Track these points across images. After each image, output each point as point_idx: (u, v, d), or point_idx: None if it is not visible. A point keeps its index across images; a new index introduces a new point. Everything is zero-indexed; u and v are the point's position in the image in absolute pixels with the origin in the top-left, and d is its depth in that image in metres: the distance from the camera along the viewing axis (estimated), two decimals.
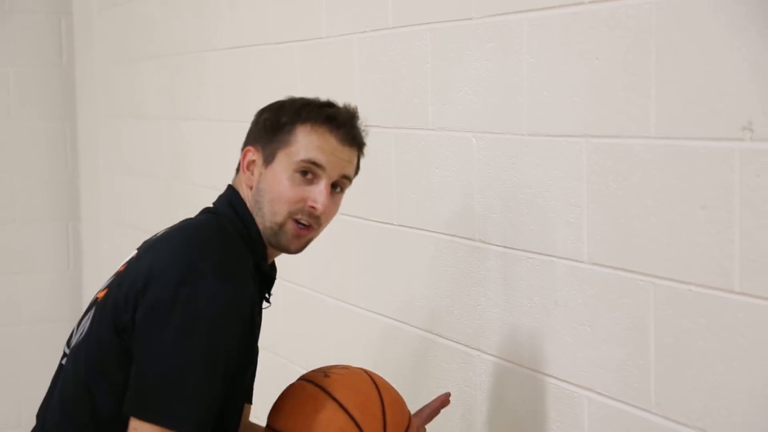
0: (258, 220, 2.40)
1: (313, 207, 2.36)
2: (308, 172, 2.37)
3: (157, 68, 5.32)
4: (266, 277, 2.44)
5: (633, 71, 2.29)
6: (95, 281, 6.10)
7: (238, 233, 2.39)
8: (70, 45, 6.08)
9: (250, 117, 3.45)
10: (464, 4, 2.94)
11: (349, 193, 2.65)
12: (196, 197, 4.60)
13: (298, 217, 2.37)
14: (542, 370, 2.66)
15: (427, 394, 2.99)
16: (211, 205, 2.47)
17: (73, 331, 2.46)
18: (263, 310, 2.43)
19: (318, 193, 2.37)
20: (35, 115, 6.01)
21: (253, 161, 2.40)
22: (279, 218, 2.38)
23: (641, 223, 2.31)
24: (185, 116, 5.03)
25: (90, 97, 5.94)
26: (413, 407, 2.91)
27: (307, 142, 2.38)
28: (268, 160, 2.37)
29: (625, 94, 2.33)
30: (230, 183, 2.48)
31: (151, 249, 2.35)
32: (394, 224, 3.33)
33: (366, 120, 2.57)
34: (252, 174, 2.39)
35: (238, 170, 2.46)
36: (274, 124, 2.39)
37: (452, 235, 2.97)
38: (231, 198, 2.44)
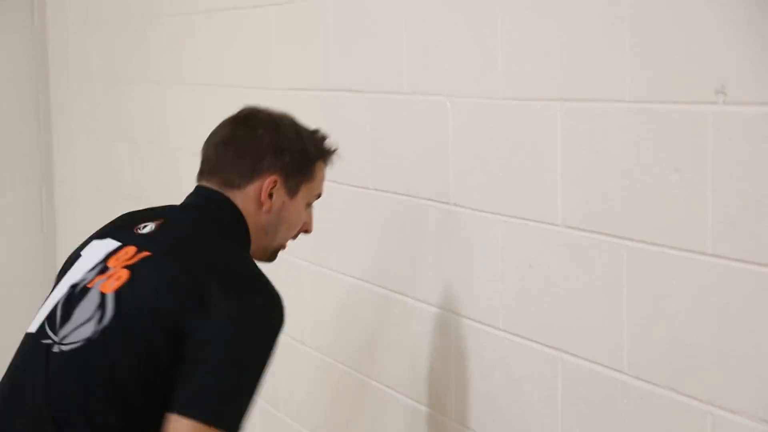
0: (265, 239, 2.60)
1: (307, 231, 2.69)
2: (311, 204, 2.66)
3: (131, 31, 5.29)
4: None
5: (607, 35, 2.29)
6: (69, 245, 6.11)
7: (246, 242, 2.55)
8: (42, 6, 5.96)
9: (225, 80, 3.43)
10: None
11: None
12: (171, 161, 4.57)
13: (296, 236, 2.67)
14: (516, 332, 2.66)
15: (408, 358, 3.22)
16: (216, 200, 2.57)
17: (46, 319, 2.46)
18: None
19: (312, 218, 2.67)
20: (6, 78, 5.93)
21: (273, 191, 2.52)
22: (286, 241, 2.65)
23: (614, 186, 2.30)
24: (159, 79, 5.00)
25: (62, 60, 5.91)
26: (396, 368, 3.27)
27: (320, 178, 2.63)
28: (292, 193, 2.54)
29: (599, 58, 2.33)
30: (223, 191, 2.53)
31: (180, 258, 2.45)
32: (369, 188, 3.34)
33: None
34: (271, 200, 2.50)
35: (233, 183, 2.53)
36: (300, 160, 2.55)
37: (427, 199, 2.97)
38: (236, 216, 2.54)
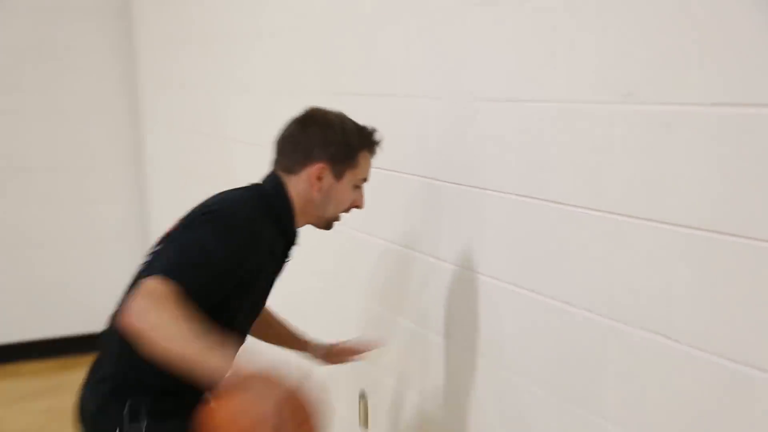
0: (317, 212, 2.57)
1: (359, 206, 2.67)
2: (360, 186, 2.66)
3: (198, 49, 5.28)
4: (290, 241, 2.59)
5: (543, 42, 2.25)
6: (154, 207, 6.17)
7: (279, 213, 2.50)
8: (135, 32, 5.92)
9: (267, 88, 3.36)
10: None
11: None
12: (225, 149, 4.59)
13: (348, 210, 2.67)
14: (478, 270, 2.63)
15: (427, 303, 2.99)
16: (269, 179, 2.55)
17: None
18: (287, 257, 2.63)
19: (362, 197, 2.67)
20: (107, 88, 5.93)
21: (322, 175, 2.51)
22: (338, 214, 2.64)
23: (551, 164, 2.27)
24: (219, 86, 4.99)
25: (149, 72, 5.94)
26: (419, 309, 3.03)
27: (364, 166, 2.62)
28: (338, 177, 2.54)
29: (540, 62, 2.28)
30: (278, 175, 2.54)
31: (214, 196, 2.54)
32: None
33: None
34: (321, 182, 2.51)
35: (289, 169, 2.51)
36: (346, 151, 2.55)
37: (411, 174, 2.96)
38: (279, 189, 2.51)
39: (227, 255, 2.31)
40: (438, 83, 2.74)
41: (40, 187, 5.91)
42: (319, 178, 2.49)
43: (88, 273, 5.97)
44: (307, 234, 2.65)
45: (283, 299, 3.56)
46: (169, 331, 2.04)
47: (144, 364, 2.19)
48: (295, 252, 2.61)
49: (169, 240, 2.38)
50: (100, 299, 5.69)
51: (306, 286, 3.84)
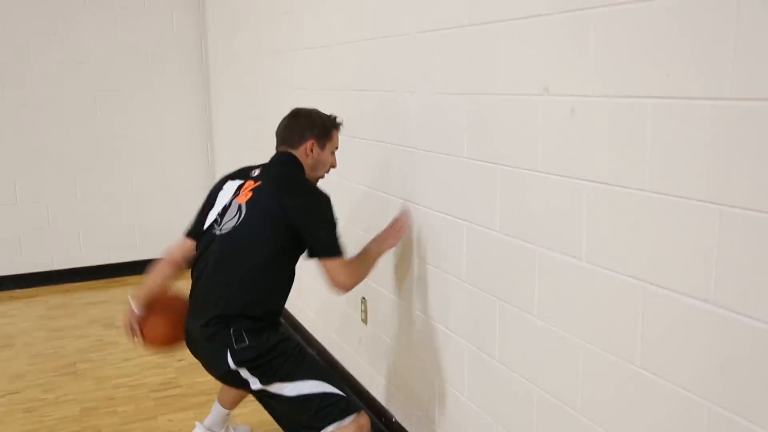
0: (312, 173, 2.73)
1: (334, 166, 2.82)
2: (334, 152, 2.79)
3: (252, 60, 5.16)
4: None
5: (488, 55, 2.22)
6: (219, 171, 6.04)
7: (302, 171, 2.70)
8: (206, 48, 5.69)
9: (303, 85, 3.35)
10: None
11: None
12: (267, 139, 4.57)
13: (328, 170, 2.82)
14: (429, 205, 2.63)
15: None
16: (285, 157, 2.70)
17: (216, 219, 2.65)
18: None
19: (335, 160, 2.81)
20: (189, 88, 5.68)
21: (312, 148, 2.69)
22: (324, 172, 2.80)
23: (496, 137, 2.25)
24: (266, 85, 4.92)
25: (217, 76, 5.77)
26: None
27: (335, 139, 2.78)
28: (321, 148, 2.72)
29: (485, 69, 2.25)
30: (290, 151, 2.70)
31: (275, 182, 2.61)
32: (357, 137, 3.19)
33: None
34: (312, 153, 2.70)
35: (292, 146, 2.69)
36: (324, 131, 2.72)
37: (396, 144, 2.89)
38: (294, 160, 2.69)
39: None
40: (413, 82, 2.69)
41: (135, 147, 5.80)
42: (311, 150, 2.68)
43: (165, 214, 5.90)
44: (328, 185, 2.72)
45: None
46: (365, 271, 2.67)
47: (244, 306, 2.49)
48: None
49: (272, 216, 2.50)
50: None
51: None
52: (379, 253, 2.76)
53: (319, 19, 3.56)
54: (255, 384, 2.47)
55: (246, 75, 5.05)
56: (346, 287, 2.55)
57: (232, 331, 2.45)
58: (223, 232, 2.57)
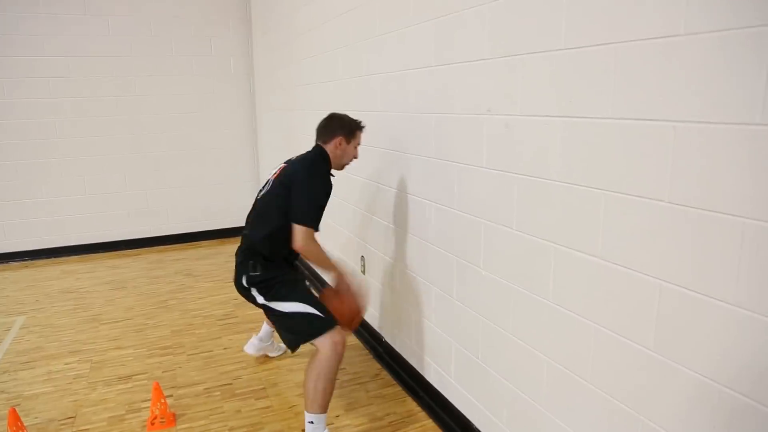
0: (338, 161, 2.53)
1: (356, 158, 2.60)
2: (357, 147, 2.58)
3: (284, 67, 5.07)
4: (331, 174, 2.51)
5: (446, 82, 2.19)
6: (264, 170, 5.96)
7: (325, 161, 2.49)
8: (252, 49, 5.75)
9: (322, 80, 3.33)
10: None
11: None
12: (303, 121, 4.46)
13: (352, 160, 2.60)
14: (409, 191, 2.61)
15: (388, 209, 2.93)
16: (316, 149, 2.52)
17: (260, 191, 2.55)
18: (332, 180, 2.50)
19: (358, 153, 2.60)
20: (238, 84, 5.67)
21: (341, 143, 2.50)
22: (348, 163, 2.58)
23: (454, 143, 2.23)
24: (299, 82, 4.85)
25: (261, 75, 5.68)
26: (385, 209, 2.84)
27: (359, 137, 2.57)
28: (348, 143, 2.52)
29: (452, 87, 2.22)
30: (320, 144, 2.51)
31: (294, 164, 2.49)
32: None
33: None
34: (341, 146, 2.51)
35: (325, 142, 2.50)
36: (351, 130, 2.53)
37: (386, 149, 2.84)
38: (323, 151, 2.51)
39: (325, 194, 2.42)
40: (398, 104, 2.61)
41: (204, 152, 5.81)
42: (340, 144, 2.49)
43: (225, 199, 5.93)
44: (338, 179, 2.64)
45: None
46: (317, 255, 2.35)
47: (260, 248, 2.41)
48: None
49: (285, 187, 2.36)
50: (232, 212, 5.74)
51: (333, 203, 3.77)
52: (327, 269, 2.43)
53: (330, 62, 3.51)
54: (260, 299, 2.40)
55: (279, 101, 4.99)
56: (299, 248, 2.32)
57: (251, 262, 2.42)
58: (259, 197, 2.52)
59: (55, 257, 5.43)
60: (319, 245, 2.37)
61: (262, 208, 2.48)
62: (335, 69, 3.46)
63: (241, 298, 2.58)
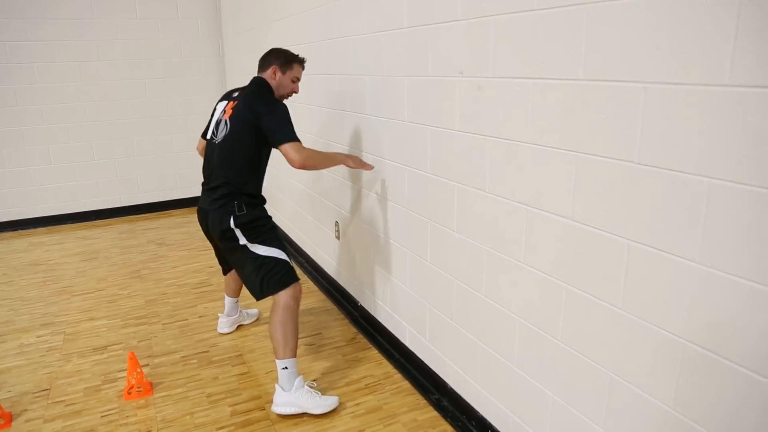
0: (276, 92, 2.52)
1: (296, 92, 2.60)
2: (295, 81, 2.57)
3: (256, 32, 4.95)
4: None
5: (419, 44, 2.18)
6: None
7: (267, 87, 2.50)
8: (222, 43, 5.60)
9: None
10: None
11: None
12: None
13: (290, 95, 2.59)
14: (384, 156, 2.59)
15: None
16: (257, 80, 2.52)
17: (213, 131, 2.53)
18: None
19: (297, 88, 2.59)
20: (209, 69, 5.58)
21: (275, 72, 2.51)
22: (285, 94, 2.57)
23: (427, 106, 2.21)
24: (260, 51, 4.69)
25: (230, 65, 5.54)
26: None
27: (296, 70, 2.56)
28: (283, 73, 2.52)
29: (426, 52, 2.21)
30: (260, 76, 2.54)
31: (249, 101, 2.42)
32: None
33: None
34: (275, 75, 2.52)
35: (262, 72, 2.54)
36: (286, 61, 2.53)
37: (357, 113, 2.81)
38: (264, 82, 2.51)
39: (287, 109, 2.38)
40: (369, 67, 2.57)
41: (173, 118, 5.71)
42: (275, 73, 2.50)
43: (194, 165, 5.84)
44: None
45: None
46: (319, 159, 2.39)
47: (242, 188, 2.41)
48: None
49: (244, 125, 2.35)
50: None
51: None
52: (339, 161, 2.55)
53: (302, 25, 3.44)
54: (242, 240, 2.40)
55: (248, 64, 4.89)
56: (300, 163, 2.28)
57: (235, 203, 2.40)
58: (218, 141, 2.46)
59: (21, 229, 5.32)
60: (313, 149, 2.39)
61: (228, 150, 2.43)
62: (307, 31, 3.39)
63: (216, 265, 2.59)
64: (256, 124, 2.35)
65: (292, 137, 2.30)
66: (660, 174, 1.28)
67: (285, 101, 2.58)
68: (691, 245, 1.24)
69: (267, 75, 2.53)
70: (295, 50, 2.79)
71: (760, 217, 1.10)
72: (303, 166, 2.30)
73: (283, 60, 2.53)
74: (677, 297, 1.29)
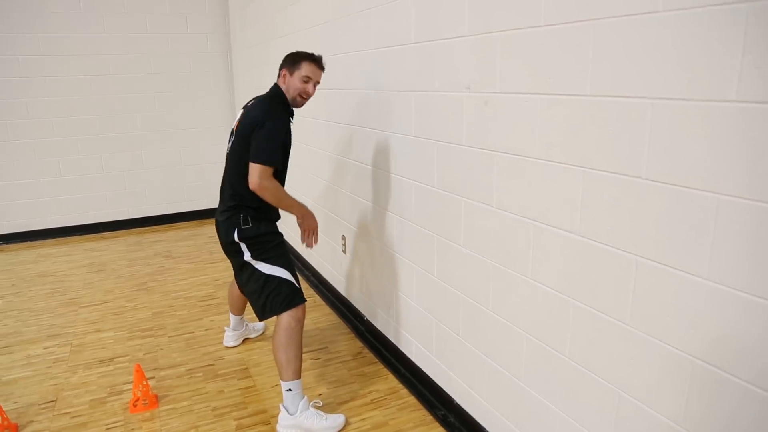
0: (288, 96, 2.40)
1: (307, 93, 2.41)
2: (306, 81, 2.40)
3: (262, 48, 4.99)
4: (291, 114, 2.42)
5: (426, 59, 2.18)
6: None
7: (281, 100, 2.39)
8: (231, 53, 5.67)
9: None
10: None
11: None
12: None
13: (303, 96, 2.41)
14: (390, 170, 2.59)
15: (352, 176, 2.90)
16: (271, 88, 2.43)
17: (229, 143, 2.46)
18: (291, 123, 2.41)
19: (309, 88, 2.41)
20: (218, 77, 5.62)
21: (285, 75, 2.40)
22: (296, 96, 2.40)
23: (434, 121, 2.21)
24: (266, 65, 4.74)
25: (239, 68, 5.55)
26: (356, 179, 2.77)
27: (305, 68, 2.38)
28: (291, 74, 2.39)
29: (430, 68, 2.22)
30: (276, 83, 2.43)
31: (251, 109, 2.37)
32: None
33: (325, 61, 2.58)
34: (285, 79, 2.40)
35: (277, 77, 2.44)
36: (293, 61, 2.39)
37: (365, 127, 2.84)
38: (278, 89, 2.41)
39: (280, 130, 2.28)
40: (377, 83, 2.59)
41: (182, 132, 5.73)
42: (284, 77, 2.39)
43: (204, 178, 5.93)
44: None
45: (301, 176, 3.45)
46: (273, 193, 2.27)
47: (248, 201, 2.34)
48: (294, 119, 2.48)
49: (244, 135, 2.27)
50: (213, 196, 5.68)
51: (306, 171, 3.80)
52: (295, 212, 2.42)
53: (309, 40, 3.46)
54: (246, 255, 2.37)
55: (256, 79, 4.92)
56: (255, 186, 2.22)
57: (241, 216, 2.36)
58: (228, 151, 2.42)
59: (30, 241, 5.35)
60: (277, 183, 2.29)
61: (233, 161, 2.40)
62: (314, 46, 3.41)
63: (225, 279, 2.57)
64: (251, 135, 2.28)
65: (266, 160, 2.22)
66: (667, 189, 1.28)
67: (299, 109, 2.53)
68: (698, 261, 1.23)
69: (279, 81, 2.43)
70: None
71: None
72: (256, 191, 2.25)
73: (291, 60, 2.41)
74: (685, 313, 1.28)
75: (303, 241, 2.52)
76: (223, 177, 2.50)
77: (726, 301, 1.19)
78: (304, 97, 2.43)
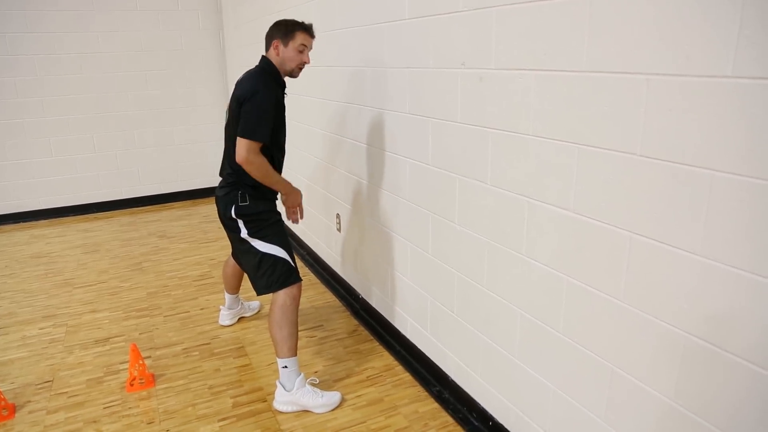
0: (282, 68, 2.36)
1: (305, 62, 2.38)
2: (302, 51, 2.35)
3: (254, 27, 4.90)
4: (283, 87, 2.38)
5: (419, 35, 2.17)
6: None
7: (271, 73, 2.34)
8: (222, 37, 5.54)
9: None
10: None
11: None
12: None
13: (301, 67, 2.38)
14: (385, 148, 2.58)
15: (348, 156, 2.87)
16: (260, 60, 2.37)
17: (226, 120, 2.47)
18: (285, 97, 2.42)
19: (306, 57, 2.37)
20: (211, 61, 5.53)
21: (278, 46, 2.33)
22: (294, 66, 2.36)
23: (428, 98, 2.20)
24: (256, 43, 4.67)
25: (231, 49, 5.49)
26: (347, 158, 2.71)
27: (299, 37, 2.33)
28: (285, 45, 2.32)
29: (427, 46, 2.20)
30: (264, 55, 2.38)
31: (240, 84, 2.30)
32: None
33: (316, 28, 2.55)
34: (278, 50, 2.33)
35: (266, 50, 2.37)
36: (286, 31, 2.33)
37: (358, 104, 2.80)
38: (268, 61, 2.35)
39: (270, 104, 2.22)
40: (370, 59, 2.58)
41: (174, 110, 5.69)
42: (277, 48, 2.33)
43: (195, 157, 5.91)
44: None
45: (295, 154, 3.43)
46: (260, 169, 2.24)
47: (245, 178, 2.32)
48: (286, 92, 2.45)
49: (237, 111, 2.24)
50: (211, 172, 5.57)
51: (304, 157, 3.79)
52: (280, 188, 2.39)
53: (302, 17, 3.40)
54: (243, 232, 2.36)
55: (249, 56, 4.87)
56: (242, 160, 2.21)
57: (239, 192, 2.35)
58: (225, 127, 2.40)
59: (23, 222, 5.33)
60: (263, 159, 2.26)
61: (230, 138, 2.37)
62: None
63: (219, 259, 2.56)
64: (240, 110, 2.25)
65: (254, 135, 2.20)
66: (662, 166, 1.27)
67: (297, 78, 2.46)
68: (692, 237, 1.23)
69: (270, 54, 2.36)
70: None
71: (762, 209, 1.10)
72: (243, 166, 2.23)
73: (283, 31, 2.34)
74: (678, 289, 1.29)
75: (289, 217, 2.55)
76: (223, 154, 2.48)
77: (719, 277, 1.20)
78: (301, 68, 2.40)
